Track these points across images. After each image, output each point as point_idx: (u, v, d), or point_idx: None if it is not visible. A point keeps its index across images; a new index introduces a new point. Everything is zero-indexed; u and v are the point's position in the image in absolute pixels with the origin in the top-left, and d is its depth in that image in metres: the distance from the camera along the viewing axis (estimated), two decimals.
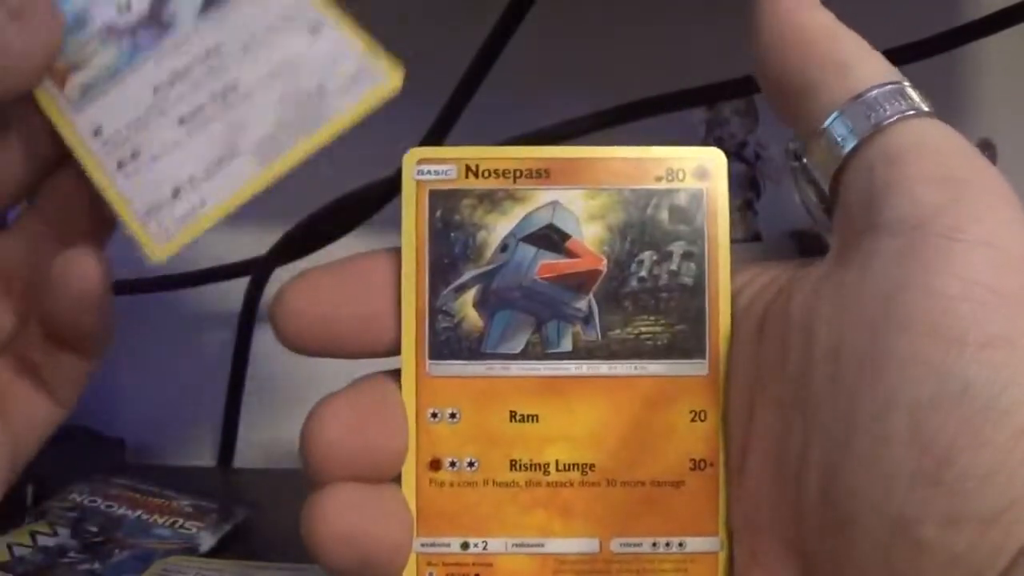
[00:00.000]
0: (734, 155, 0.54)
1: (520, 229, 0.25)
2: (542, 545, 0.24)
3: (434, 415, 0.24)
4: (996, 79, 0.53)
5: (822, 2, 0.24)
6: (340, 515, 0.23)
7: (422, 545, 0.24)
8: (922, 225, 0.21)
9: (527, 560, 0.24)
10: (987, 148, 0.49)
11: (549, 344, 0.24)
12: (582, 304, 0.24)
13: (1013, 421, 0.19)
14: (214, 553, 0.42)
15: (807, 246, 0.51)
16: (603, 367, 0.24)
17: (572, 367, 0.24)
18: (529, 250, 0.24)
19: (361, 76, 0.25)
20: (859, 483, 0.20)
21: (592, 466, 0.24)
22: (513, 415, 0.24)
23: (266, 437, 0.54)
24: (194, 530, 0.43)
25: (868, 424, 0.20)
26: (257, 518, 0.45)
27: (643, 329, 0.24)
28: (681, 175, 0.25)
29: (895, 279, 0.20)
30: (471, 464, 0.24)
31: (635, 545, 0.24)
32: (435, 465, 0.24)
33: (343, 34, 0.25)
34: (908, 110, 0.22)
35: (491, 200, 0.25)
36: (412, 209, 0.25)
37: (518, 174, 0.25)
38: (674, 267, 0.24)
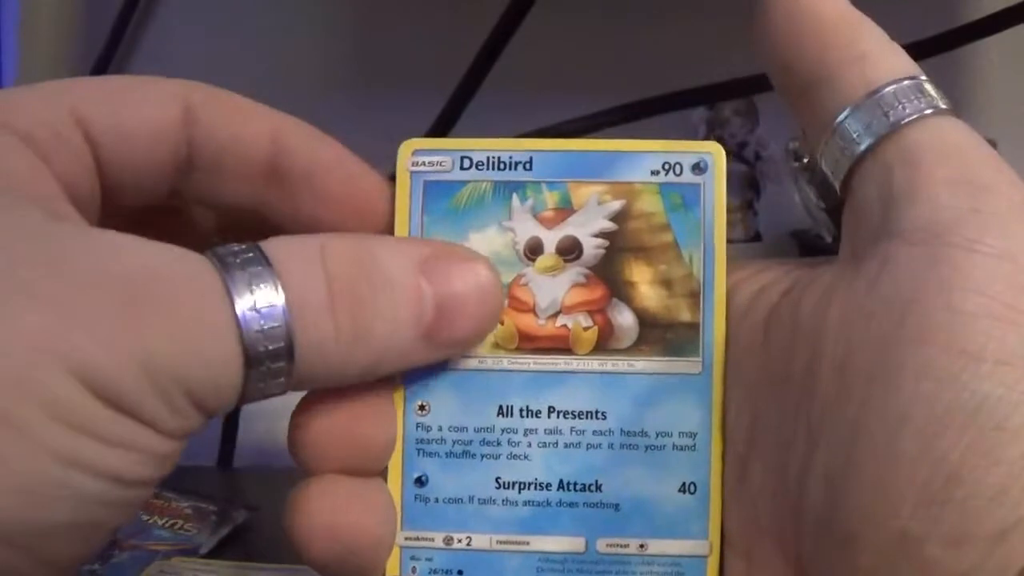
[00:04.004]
0: (734, 155, 0.54)
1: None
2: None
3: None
4: (996, 79, 0.53)
5: None
6: (323, 508, 0.22)
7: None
8: (941, 234, 0.20)
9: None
10: None
11: None
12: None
13: None
14: (213, 554, 0.42)
15: (807, 246, 0.51)
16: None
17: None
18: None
19: None
20: (864, 498, 0.20)
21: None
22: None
23: (266, 437, 0.54)
24: (194, 531, 0.43)
25: (876, 439, 0.20)
26: (256, 519, 0.45)
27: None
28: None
29: (910, 290, 0.20)
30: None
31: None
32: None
33: None
34: (927, 108, 0.21)
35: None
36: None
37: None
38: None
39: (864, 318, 0.20)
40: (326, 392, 0.23)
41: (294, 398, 0.23)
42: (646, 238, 0.24)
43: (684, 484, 0.24)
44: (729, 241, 0.24)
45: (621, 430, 0.24)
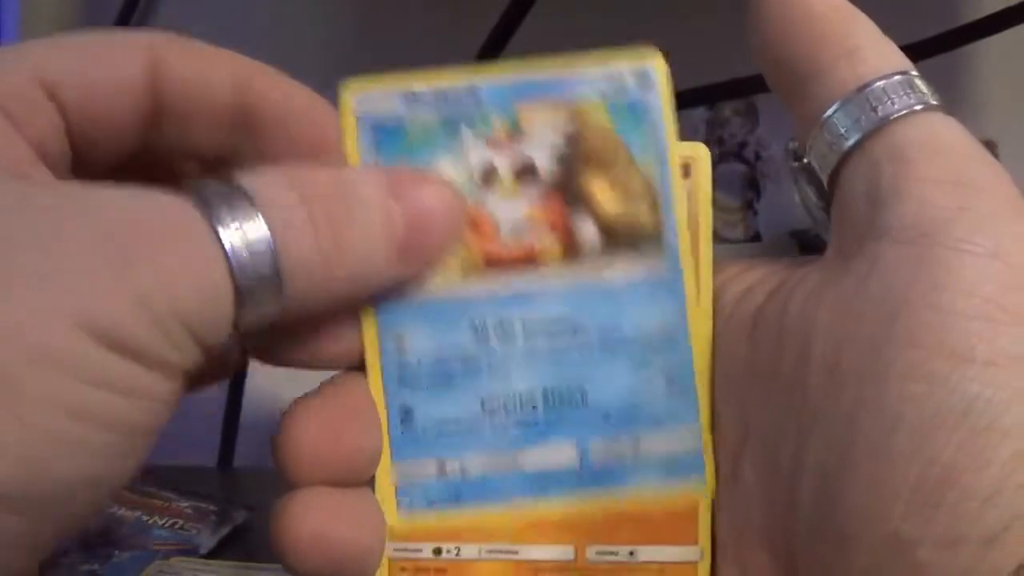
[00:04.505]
0: (734, 155, 0.54)
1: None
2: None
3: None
4: (996, 79, 0.53)
5: None
6: (309, 519, 0.22)
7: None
8: (929, 234, 0.20)
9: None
10: (988, 148, 0.49)
11: None
12: None
13: (1015, 441, 0.18)
14: (213, 554, 0.42)
15: (807, 246, 0.51)
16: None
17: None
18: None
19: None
20: (856, 500, 0.20)
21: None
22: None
23: (266, 437, 0.54)
24: (194, 531, 0.43)
25: (868, 439, 0.19)
26: (256, 519, 0.45)
27: None
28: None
29: (899, 292, 0.20)
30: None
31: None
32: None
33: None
34: (917, 104, 0.21)
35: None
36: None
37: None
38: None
39: (854, 318, 0.20)
40: (308, 404, 0.23)
41: (294, 398, 0.23)
42: (600, 153, 0.24)
43: (669, 378, 0.24)
44: (729, 241, 0.24)
45: (597, 336, 0.24)
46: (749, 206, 0.54)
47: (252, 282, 0.20)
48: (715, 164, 0.25)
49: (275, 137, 0.24)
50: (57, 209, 0.19)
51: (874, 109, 0.21)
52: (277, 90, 0.24)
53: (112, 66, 0.23)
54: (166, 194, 0.20)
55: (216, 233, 0.20)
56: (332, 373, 0.24)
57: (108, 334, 0.19)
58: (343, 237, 0.21)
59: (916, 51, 0.41)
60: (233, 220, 0.20)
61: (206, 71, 0.24)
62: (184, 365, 0.20)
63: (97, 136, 0.23)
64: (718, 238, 0.24)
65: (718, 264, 0.24)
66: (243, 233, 0.20)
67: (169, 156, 0.25)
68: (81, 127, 0.23)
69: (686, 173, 0.24)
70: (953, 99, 0.52)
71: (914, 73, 0.22)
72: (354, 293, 0.23)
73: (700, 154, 0.24)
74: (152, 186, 0.21)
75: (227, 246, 0.20)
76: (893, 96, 0.21)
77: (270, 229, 0.20)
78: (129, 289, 0.19)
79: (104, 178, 0.23)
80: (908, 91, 0.21)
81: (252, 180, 0.21)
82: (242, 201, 0.21)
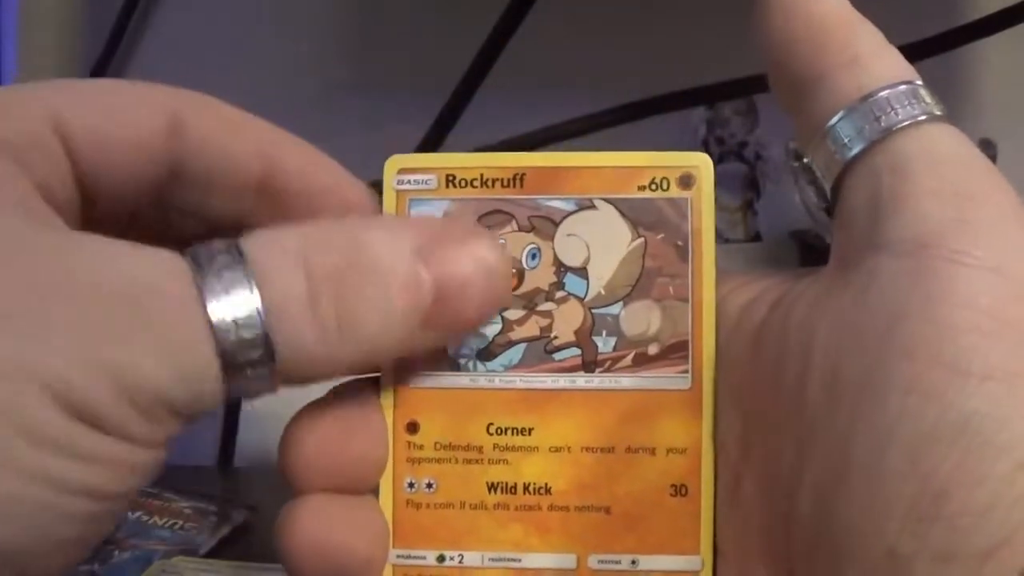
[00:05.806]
0: (734, 155, 0.54)
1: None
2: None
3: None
4: (996, 79, 0.53)
5: None
6: (313, 526, 0.22)
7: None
8: (927, 246, 0.20)
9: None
10: (987, 148, 0.49)
11: None
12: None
13: (1012, 456, 0.18)
14: (213, 554, 0.42)
15: (807, 246, 0.51)
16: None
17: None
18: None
19: None
20: (852, 514, 0.19)
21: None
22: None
23: (266, 437, 0.54)
24: (193, 532, 0.43)
25: (864, 455, 0.19)
26: (256, 519, 0.45)
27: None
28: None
29: (897, 304, 0.20)
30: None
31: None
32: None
33: None
34: (920, 114, 0.21)
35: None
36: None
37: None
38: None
39: (851, 332, 0.20)
40: (316, 411, 0.23)
41: (294, 398, 0.23)
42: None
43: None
44: (728, 241, 0.24)
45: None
46: (749, 206, 0.54)
47: (241, 362, 0.19)
48: (715, 164, 0.25)
49: (296, 213, 0.23)
50: (52, 263, 0.19)
51: (877, 119, 0.21)
52: (303, 166, 0.23)
53: (131, 122, 0.22)
54: (161, 257, 0.19)
55: (204, 306, 0.19)
56: (338, 380, 0.24)
57: (79, 406, 0.18)
58: (351, 311, 0.20)
59: (916, 51, 0.41)
60: (225, 291, 0.19)
61: (231, 139, 0.23)
62: (162, 436, 0.19)
63: (108, 188, 0.22)
64: (719, 238, 0.24)
65: (721, 275, 0.24)
66: (233, 307, 0.19)
67: (183, 215, 0.24)
68: (92, 177, 0.22)
69: (688, 183, 0.24)
70: (953, 99, 0.52)
71: (919, 82, 0.22)
72: (366, 366, 0.22)
73: (702, 163, 0.24)
74: (161, 234, 0.20)
75: (215, 321, 0.19)
76: (897, 106, 0.21)
77: (265, 306, 0.19)
78: (105, 361, 0.18)
79: (113, 227, 0.22)
80: (912, 101, 0.21)
81: (253, 244, 0.20)
82: (239, 273, 0.19)
